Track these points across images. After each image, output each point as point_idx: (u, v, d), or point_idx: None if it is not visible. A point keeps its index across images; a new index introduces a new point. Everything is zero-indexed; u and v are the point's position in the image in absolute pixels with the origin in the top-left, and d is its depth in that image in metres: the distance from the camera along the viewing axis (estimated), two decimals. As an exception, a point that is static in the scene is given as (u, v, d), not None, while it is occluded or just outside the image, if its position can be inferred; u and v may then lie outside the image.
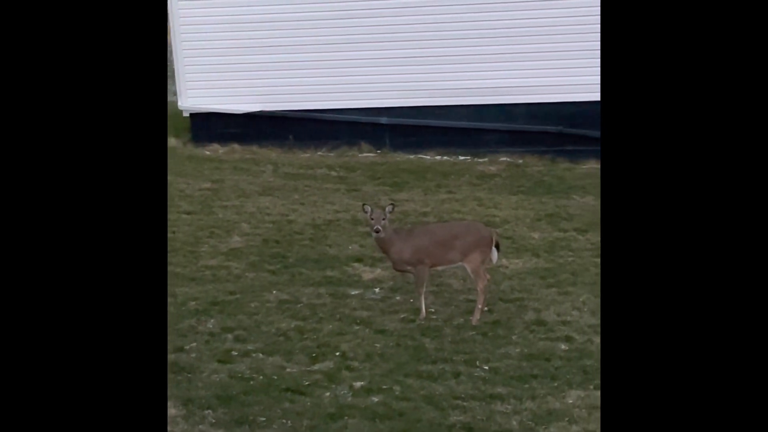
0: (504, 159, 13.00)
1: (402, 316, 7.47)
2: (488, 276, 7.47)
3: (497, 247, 7.40)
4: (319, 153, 13.48)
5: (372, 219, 7.22)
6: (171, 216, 9.88)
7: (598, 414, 5.82)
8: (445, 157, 13.17)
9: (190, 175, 12.02)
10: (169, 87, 14.44)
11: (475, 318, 7.29)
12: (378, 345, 6.91)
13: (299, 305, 7.69)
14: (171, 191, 10.79)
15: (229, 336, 7.08)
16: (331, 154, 13.38)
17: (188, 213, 10.34)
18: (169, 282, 7.18)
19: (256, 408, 5.93)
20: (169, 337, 6.50)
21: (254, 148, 13.57)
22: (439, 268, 7.50)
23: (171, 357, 6.52)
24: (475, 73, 13.15)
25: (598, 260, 8.71)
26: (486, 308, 7.43)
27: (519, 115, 13.29)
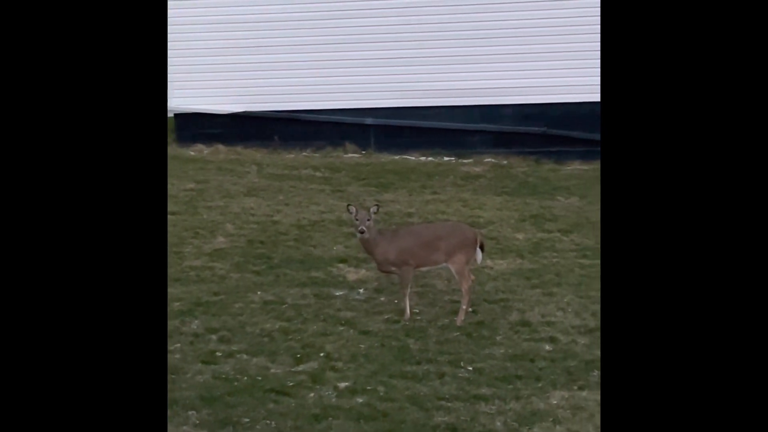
0: (489, 160, 13.03)
1: (387, 316, 7.47)
2: (473, 277, 7.48)
3: (482, 247, 7.42)
4: (303, 153, 13.48)
5: (357, 220, 7.22)
6: (155, 216, 9.83)
7: (582, 414, 5.84)
8: (429, 158, 13.19)
9: (174, 175, 11.98)
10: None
11: (460, 319, 7.30)
12: (362, 346, 6.91)
13: (284, 306, 7.68)
14: (155, 191, 10.74)
15: (214, 337, 7.06)
16: (316, 155, 13.37)
17: (172, 213, 10.30)
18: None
19: (240, 409, 5.92)
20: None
21: (239, 148, 13.56)
22: (424, 268, 7.51)
23: (155, 358, 6.50)
24: (460, 74, 13.18)
25: (583, 261, 8.74)
26: (470, 309, 7.44)
27: (504, 116, 13.32)
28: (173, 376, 6.35)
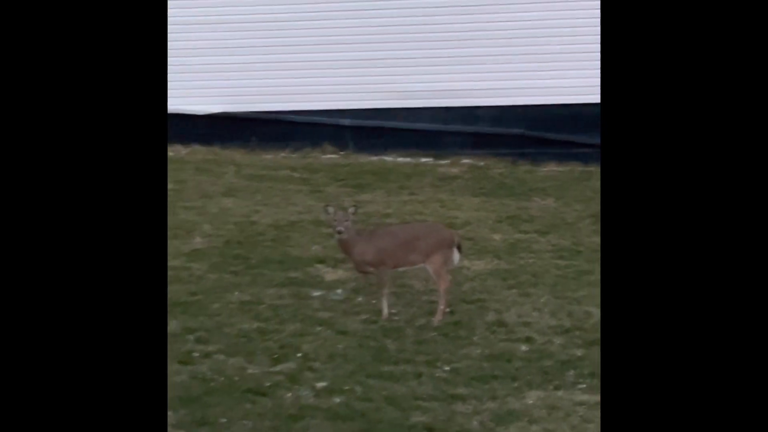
0: (466, 161, 13.05)
1: (364, 317, 7.49)
2: (450, 277, 7.51)
3: (459, 248, 7.45)
4: (281, 154, 13.45)
5: (335, 220, 7.23)
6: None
7: (557, 414, 5.90)
8: (407, 159, 13.20)
9: (151, 175, 11.94)
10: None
11: (437, 319, 7.33)
12: (340, 346, 6.93)
13: (261, 306, 7.68)
14: (132, 192, 10.71)
15: (191, 337, 7.06)
16: (294, 156, 13.36)
17: (150, 214, 10.27)
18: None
19: (218, 409, 5.92)
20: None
21: (216, 149, 13.51)
22: (401, 269, 7.53)
23: (132, 358, 6.49)
24: (438, 75, 13.18)
25: (559, 262, 8.79)
26: (448, 309, 7.47)
27: (481, 118, 13.35)
28: (150, 377, 6.34)
